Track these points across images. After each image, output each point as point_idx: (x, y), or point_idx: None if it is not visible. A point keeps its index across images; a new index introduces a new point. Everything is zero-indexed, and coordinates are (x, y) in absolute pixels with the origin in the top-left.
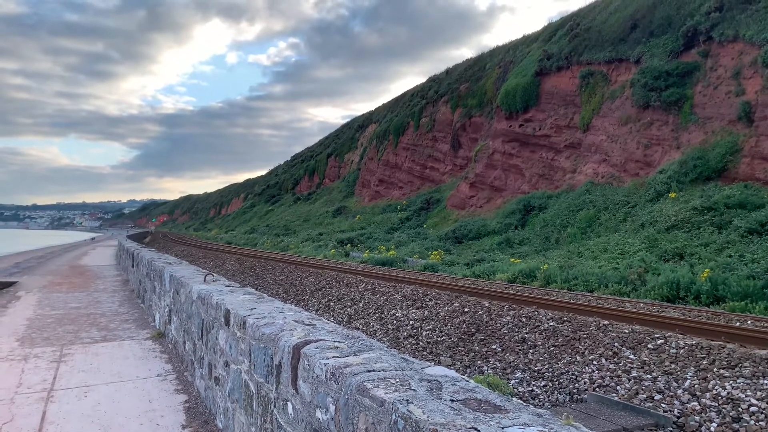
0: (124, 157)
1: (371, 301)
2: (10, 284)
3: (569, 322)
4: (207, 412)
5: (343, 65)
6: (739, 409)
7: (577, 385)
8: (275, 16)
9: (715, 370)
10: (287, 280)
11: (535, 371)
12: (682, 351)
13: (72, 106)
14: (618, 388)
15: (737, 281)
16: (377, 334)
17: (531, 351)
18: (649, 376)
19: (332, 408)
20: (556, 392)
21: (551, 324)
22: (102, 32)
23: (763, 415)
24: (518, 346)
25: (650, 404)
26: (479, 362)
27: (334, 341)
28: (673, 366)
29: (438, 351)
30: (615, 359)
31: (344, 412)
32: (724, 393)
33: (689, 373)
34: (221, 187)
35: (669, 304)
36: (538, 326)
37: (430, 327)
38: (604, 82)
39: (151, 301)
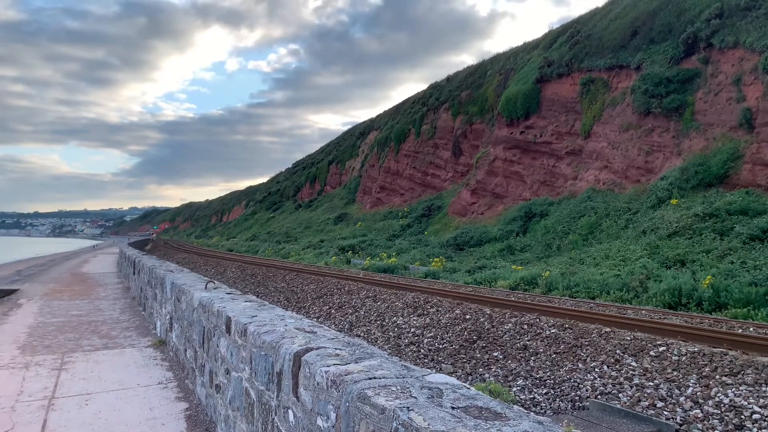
0: (124, 165)
1: (372, 309)
2: (12, 292)
3: (571, 329)
4: (208, 420)
5: (344, 72)
6: (742, 416)
7: (578, 392)
8: (275, 22)
9: (717, 377)
10: (288, 288)
11: (536, 378)
12: (684, 358)
13: (72, 114)
14: (620, 395)
15: (739, 288)
16: (378, 342)
17: (533, 358)
18: (651, 383)
19: (333, 415)
20: (557, 400)
21: (553, 331)
22: (102, 39)
23: (766, 423)
24: (520, 353)
25: (653, 412)
26: (481, 370)
27: (335, 349)
28: (675, 373)
29: (439, 358)
30: (617, 366)
31: (345, 420)
32: (726, 400)
33: (691, 381)
34: (222, 194)
35: (671, 311)
36: (540, 333)
37: (432, 334)
38: (604, 89)
39: (153, 308)
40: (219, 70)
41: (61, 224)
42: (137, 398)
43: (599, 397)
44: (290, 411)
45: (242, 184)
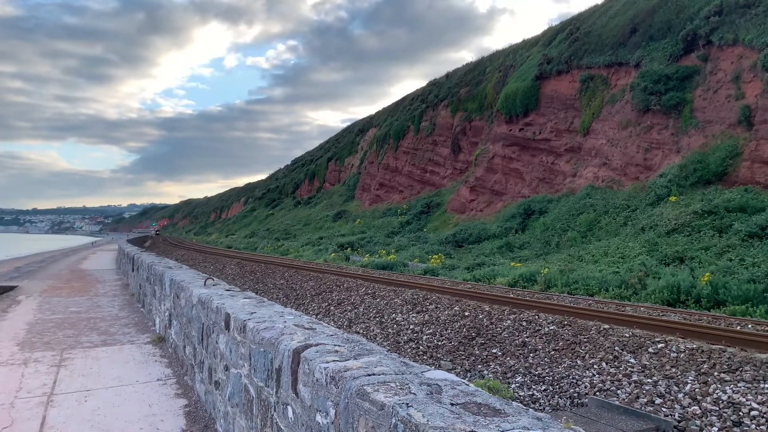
0: (123, 161)
1: (371, 305)
2: (11, 288)
3: (570, 326)
4: (207, 416)
5: (343, 68)
6: (740, 413)
7: (577, 389)
8: (273, 18)
9: (715, 374)
10: (287, 285)
11: (535, 375)
12: (682, 355)
13: (71, 110)
14: (619, 392)
15: (738, 285)
16: (377, 338)
17: (531, 355)
18: (649, 380)
19: (332, 412)
20: (556, 396)
21: (552, 328)
22: (101, 35)
23: (764, 420)
24: (519, 350)
25: (651, 408)
26: (480, 366)
27: (334, 345)
28: (673, 370)
29: (438, 355)
30: (615, 363)
31: (344, 416)
32: (724, 397)
33: (690, 377)
34: (222, 191)
35: (669, 308)
36: (539, 330)
37: (431, 331)
38: (604, 86)
39: (152, 305)
40: (217, 67)
41: (60, 221)
42: (136, 395)
43: (598, 393)
44: (289, 407)
45: (241, 181)
